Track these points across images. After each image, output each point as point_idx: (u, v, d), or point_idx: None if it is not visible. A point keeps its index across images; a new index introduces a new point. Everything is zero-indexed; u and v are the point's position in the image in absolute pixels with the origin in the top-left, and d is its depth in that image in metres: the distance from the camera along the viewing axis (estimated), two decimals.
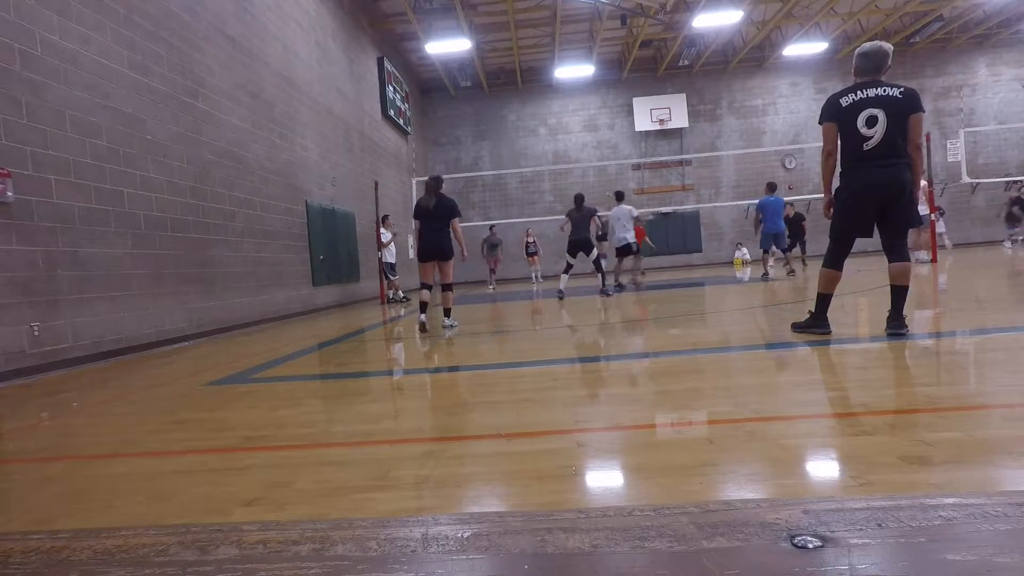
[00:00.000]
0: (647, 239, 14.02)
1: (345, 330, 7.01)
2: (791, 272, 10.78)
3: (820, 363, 3.20)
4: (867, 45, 3.60)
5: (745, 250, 18.49)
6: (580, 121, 21.25)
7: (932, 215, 11.29)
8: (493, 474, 1.76)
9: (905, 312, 3.59)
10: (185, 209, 6.75)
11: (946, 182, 18.73)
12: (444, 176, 6.84)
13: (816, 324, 3.83)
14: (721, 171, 20.87)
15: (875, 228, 3.69)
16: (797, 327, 3.97)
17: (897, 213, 3.53)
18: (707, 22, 15.44)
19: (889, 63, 3.58)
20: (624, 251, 10.28)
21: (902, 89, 3.45)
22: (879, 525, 1.20)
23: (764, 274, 10.33)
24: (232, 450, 2.22)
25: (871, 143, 3.44)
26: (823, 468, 1.67)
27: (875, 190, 3.50)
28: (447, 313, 6.12)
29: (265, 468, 1.99)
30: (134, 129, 5.98)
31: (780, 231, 10.11)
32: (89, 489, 1.89)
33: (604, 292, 9.15)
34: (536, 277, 16.96)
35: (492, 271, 15.46)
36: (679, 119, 20.64)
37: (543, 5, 15.37)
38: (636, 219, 10.30)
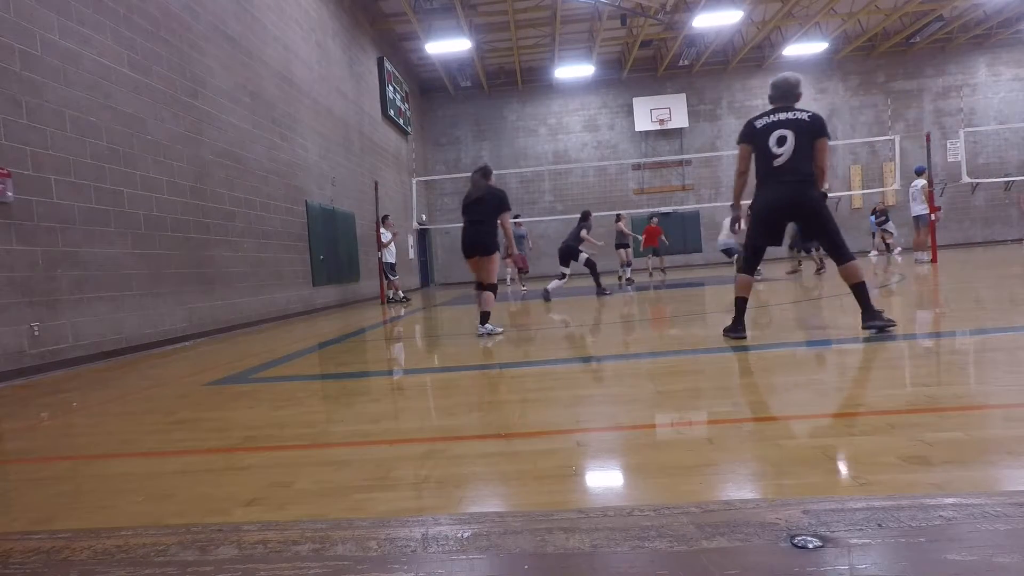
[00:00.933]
0: (663, 237, 14.01)
1: (345, 330, 7.01)
2: (821, 269, 10.73)
3: (820, 363, 3.20)
4: (778, 76, 3.96)
5: None
6: (580, 121, 21.25)
7: (932, 215, 11.29)
8: (493, 474, 1.76)
9: (882, 307, 3.75)
10: (185, 209, 6.75)
11: (946, 182, 18.73)
12: (444, 176, 6.64)
13: (734, 327, 3.99)
14: (721, 171, 20.87)
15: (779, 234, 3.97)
16: (726, 331, 4.07)
17: (812, 225, 3.79)
18: (707, 22, 15.45)
19: (799, 91, 3.90)
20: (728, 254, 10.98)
21: (810, 114, 3.77)
22: (879, 525, 1.20)
23: (820, 268, 10.44)
24: (232, 450, 2.22)
25: (780, 160, 3.73)
26: (823, 468, 1.66)
27: (781, 204, 3.78)
28: (483, 318, 5.23)
29: (265, 468, 1.99)
30: (134, 129, 5.98)
31: None
32: (89, 489, 1.89)
33: (602, 292, 9.34)
34: (509, 279, 17.00)
35: (520, 269, 13.18)
36: (679, 119, 20.64)
37: (543, 5, 15.37)
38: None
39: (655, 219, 14.41)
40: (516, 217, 13.89)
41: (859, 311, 3.76)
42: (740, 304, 3.98)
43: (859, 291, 3.68)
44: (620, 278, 12.80)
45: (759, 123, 3.83)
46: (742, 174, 3.98)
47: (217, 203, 7.44)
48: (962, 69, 20.51)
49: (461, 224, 5.49)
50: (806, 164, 3.70)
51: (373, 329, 7.00)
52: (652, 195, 20.85)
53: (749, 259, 4.04)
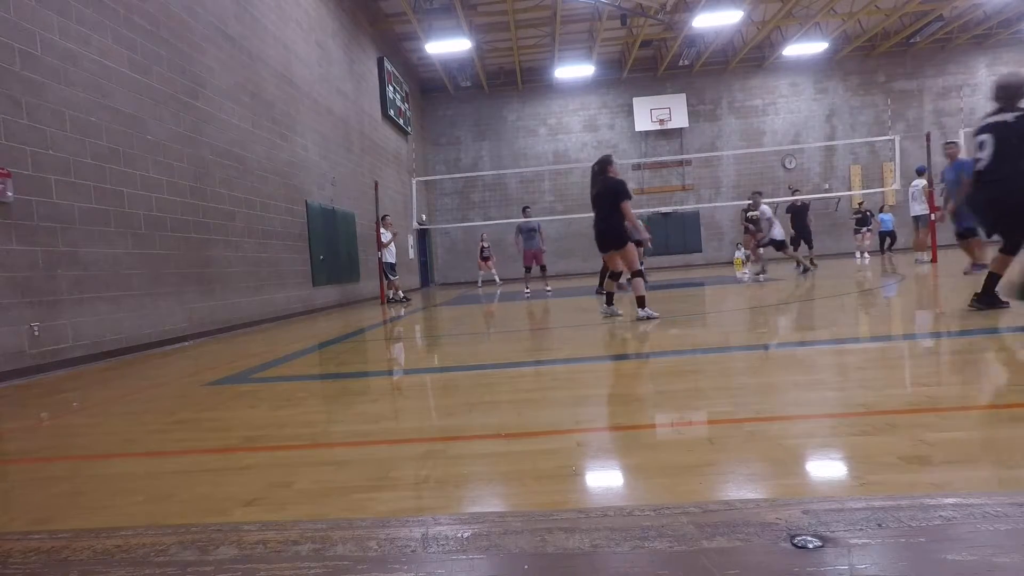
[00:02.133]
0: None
1: (345, 330, 7.01)
2: (806, 269, 10.83)
3: (820, 363, 3.20)
4: (1002, 76, 4.00)
5: (744, 249, 18.49)
6: (580, 121, 21.25)
7: (932, 215, 11.29)
8: (493, 474, 1.76)
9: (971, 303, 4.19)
10: (185, 209, 6.75)
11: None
12: (444, 176, 6.61)
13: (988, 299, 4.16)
14: (721, 171, 20.87)
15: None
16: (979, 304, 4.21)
17: (1006, 224, 4.01)
18: (707, 22, 15.44)
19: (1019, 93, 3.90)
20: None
21: (1019, 113, 3.81)
22: (879, 525, 1.20)
23: (978, 265, 7.44)
24: (232, 450, 2.22)
25: (980, 164, 3.94)
26: (823, 468, 1.66)
27: (982, 205, 4.05)
28: (639, 303, 5.40)
29: (265, 468, 1.99)
30: (134, 129, 5.98)
31: None
32: (89, 489, 1.89)
33: (601, 291, 9.44)
34: (494, 279, 17.06)
35: (530, 268, 11.06)
36: (679, 119, 20.64)
37: (543, 5, 15.37)
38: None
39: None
40: (525, 209, 12.29)
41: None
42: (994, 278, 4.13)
43: (993, 279, 4.03)
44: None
45: (974, 131, 4.04)
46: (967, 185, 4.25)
47: (217, 203, 7.44)
48: (962, 69, 20.52)
49: (462, 224, 5.68)
50: (1007, 165, 3.80)
51: (373, 329, 7.00)
52: (652, 195, 20.85)
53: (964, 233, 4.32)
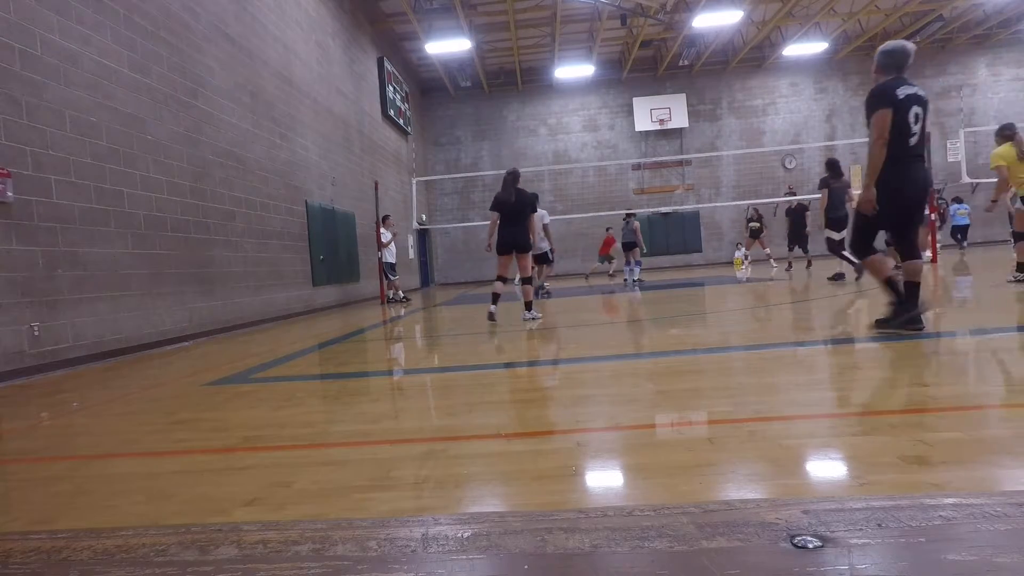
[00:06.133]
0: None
1: (345, 330, 7.01)
2: (788, 269, 10.89)
3: (820, 363, 3.20)
4: (890, 44, 3.61)
5: (744, 250, 18.49)
6: (580, 121, 21.25)
7: (931, 215, 11.29)
8: (493, 474, 1.76)
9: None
10: (185, 209, 6.75)
11: (946, 182, 18.73)
12: (444, 176, 6.91)
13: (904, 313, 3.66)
14: (721, 171, 20.87)
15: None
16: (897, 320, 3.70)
17: (920, 211, 3.60)
18: (707, 22, 15.45)
19: (910, 62, 3.57)
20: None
21: (923, 91, 3.56)
22: (879, 525, 1.20)
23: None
24: (232, 450, 2.22)
25: (914, 140, 3.46)
26: (823, 468, 1.66)
27: (917, 186, 3.52)
28: (527, 307, 6.17)
29: (265, 468, 1.99)
30: (134, 129, 5.98)
31: None
32: (89, 489, 1.89)
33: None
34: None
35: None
36: (679, 119, 20.64)
37: (543, 5, 15.37)
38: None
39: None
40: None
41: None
42: (905, 287, 3.61)
43: (913, 290, 3.56)
44: (627, 279, 12.65)
45: (900, 92, 3.42)
46: (887, 143, 3.44)
47: (217, 203, 7.44)
48: (962, 69, 20.51)
49: (462, 224, 5.88)
50: (926, 147, 3.50)
51: (373, 329, 6.99)
52: (652, 195, 20.85)
53: (862, 242, 3.71)
